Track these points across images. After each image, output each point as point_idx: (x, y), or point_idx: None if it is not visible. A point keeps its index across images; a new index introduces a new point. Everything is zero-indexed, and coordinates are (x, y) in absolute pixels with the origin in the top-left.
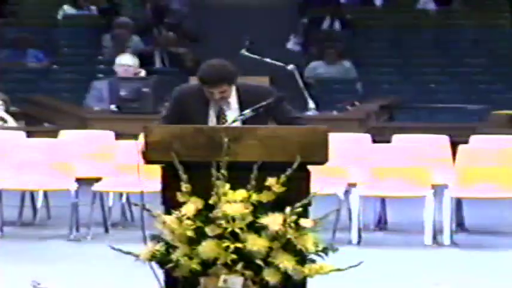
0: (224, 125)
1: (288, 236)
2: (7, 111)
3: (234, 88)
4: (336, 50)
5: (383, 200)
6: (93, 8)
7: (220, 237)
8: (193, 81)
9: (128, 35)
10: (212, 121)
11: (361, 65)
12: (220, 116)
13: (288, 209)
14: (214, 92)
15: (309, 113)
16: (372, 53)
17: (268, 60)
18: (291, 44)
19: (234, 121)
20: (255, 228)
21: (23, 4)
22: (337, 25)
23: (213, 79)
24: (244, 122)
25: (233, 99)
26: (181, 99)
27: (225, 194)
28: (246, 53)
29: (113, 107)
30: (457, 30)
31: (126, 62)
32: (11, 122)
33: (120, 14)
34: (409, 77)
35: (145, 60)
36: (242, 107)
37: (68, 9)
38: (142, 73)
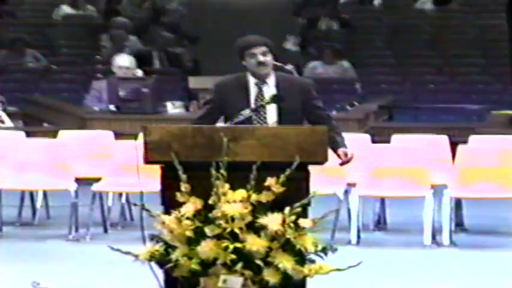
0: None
1: (288, 236)
2: (5, 111)
3: (273, 73)
4: (334, 49)
5: (382, 200)
6: (91, 8)
7: (219, 237)
8: (192, 81)
9: (126, 35)
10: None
11: (359, 65)
12: (259, 97)
13: (287, 209)
14: (256, 53)
15: None
16: (370, 53)
17: None
18: (289, 44)
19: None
20: (255, 228)
21: (20, 4)
22: (334, 25)
23: (255, 40)
24: (280, 116)
25: (271, 83)
26: (221, 90)
27: (224, 194)
28: None
29: (112, 107)
30: (455, 30)
31: (124, 64)
32: (8, 122)
33: (117, 14)
34: (408, 77)
35: (143, 60)
36: (279, 91)
37: (65, 9)
38: (139, 73)
